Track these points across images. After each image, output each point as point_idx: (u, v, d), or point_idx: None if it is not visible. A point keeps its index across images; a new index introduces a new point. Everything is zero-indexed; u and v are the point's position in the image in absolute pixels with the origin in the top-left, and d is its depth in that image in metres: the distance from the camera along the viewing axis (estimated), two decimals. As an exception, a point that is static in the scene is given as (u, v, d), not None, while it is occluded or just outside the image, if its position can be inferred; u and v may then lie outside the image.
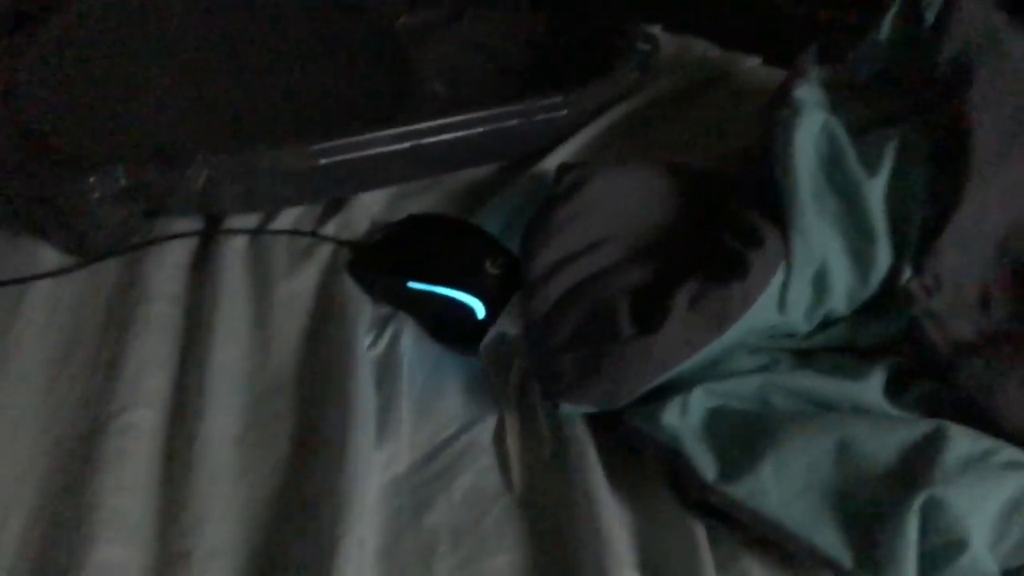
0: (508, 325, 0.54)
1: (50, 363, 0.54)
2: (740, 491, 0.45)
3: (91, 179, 0.54)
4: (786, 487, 0.45)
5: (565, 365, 0.50)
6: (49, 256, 0.59)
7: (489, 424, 0.52)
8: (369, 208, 0.64)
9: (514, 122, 0.63)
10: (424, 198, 0.66)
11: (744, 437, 0.47)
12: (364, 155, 0.61)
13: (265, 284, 0.59)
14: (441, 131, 0.62)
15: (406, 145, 0.61)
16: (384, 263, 0.58)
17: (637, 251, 0.56)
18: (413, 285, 0.56)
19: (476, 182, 0.67)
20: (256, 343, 0.56)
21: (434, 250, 0.57)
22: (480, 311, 0.55)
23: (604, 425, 0.50)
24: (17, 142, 0.57)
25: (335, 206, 0.64)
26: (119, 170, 0.55)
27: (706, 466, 0.46)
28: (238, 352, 0.55)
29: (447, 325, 0.57)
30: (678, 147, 0.69)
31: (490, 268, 0.56)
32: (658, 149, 0.69)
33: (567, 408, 0.49)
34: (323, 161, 0.59)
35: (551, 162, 0.66)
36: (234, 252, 0.60)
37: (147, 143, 0.58)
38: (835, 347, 0.54)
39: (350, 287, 0.58)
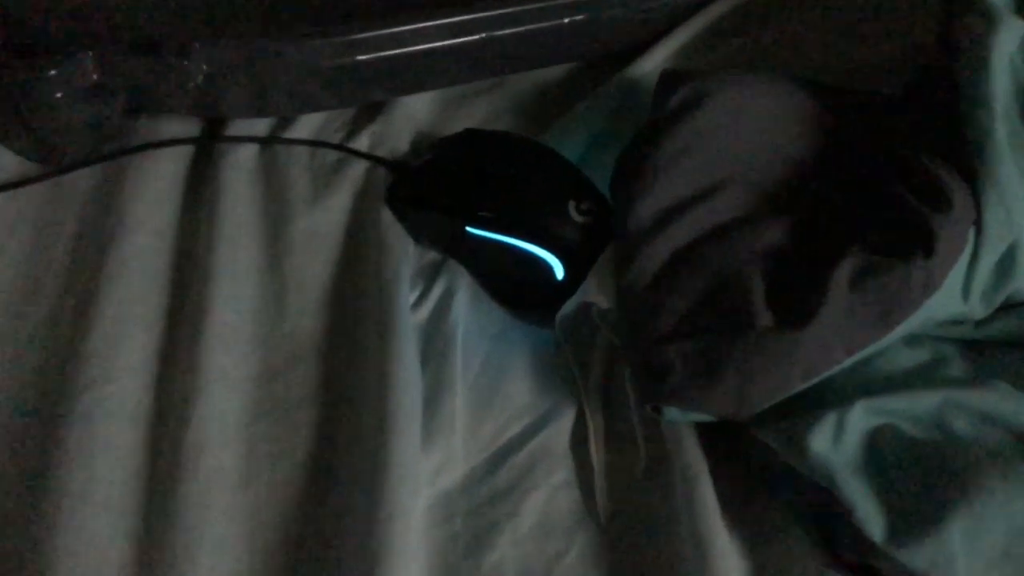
0: (595, 293, 0.41)
1: (-1, 309, 0.42)
2: (920, 559, 0.33)
3: (51, 72, 0.40)
4: (980, 556, 0.33)
5: (674, 358, 0.37)
6: (5, 163, 0.46)
7: (566, 422, 0.41)
8: (413, 115, 0.51)
9: (614, 11, 0.49)
10: (480, 105, 0.52)
11: (923, 479, 0.35)
12: (415, 50, 0.46)
13: (279, 214, 0.46)
14: (517, 21, 0.47)
15: (474, 38, 0.47)
16: (434, 195, 0.45)
17: (770, 199, 0.42)
18: (473, 230, 0.43)
19: (545, 86, 0.53)
20: (267, 296, 0.43)
21: (501, 183, 0.44)
22: (559, 270, 0.42)
23: (719, 432, 0.38)
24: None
25: (369, 111, 0.50)
26: (88, 60, 0.41)
27: (871, 517, 0.34)
28: (243, 308, 0.42)
29: (515, 285, 0.44)
30: (801, 53, 0.54)
31: (574, 214, 0.42)
32: (775, 55, 0.54)
33: (673, 415, 0.37)
34: (361, 57, 0.45)
35: (644, 66, 0.51)
36: (239, 167, 0.47)
37: (128, 26, 0.43)
38: (1015, 340, 0.41)
39: (390, 222, 0.45)
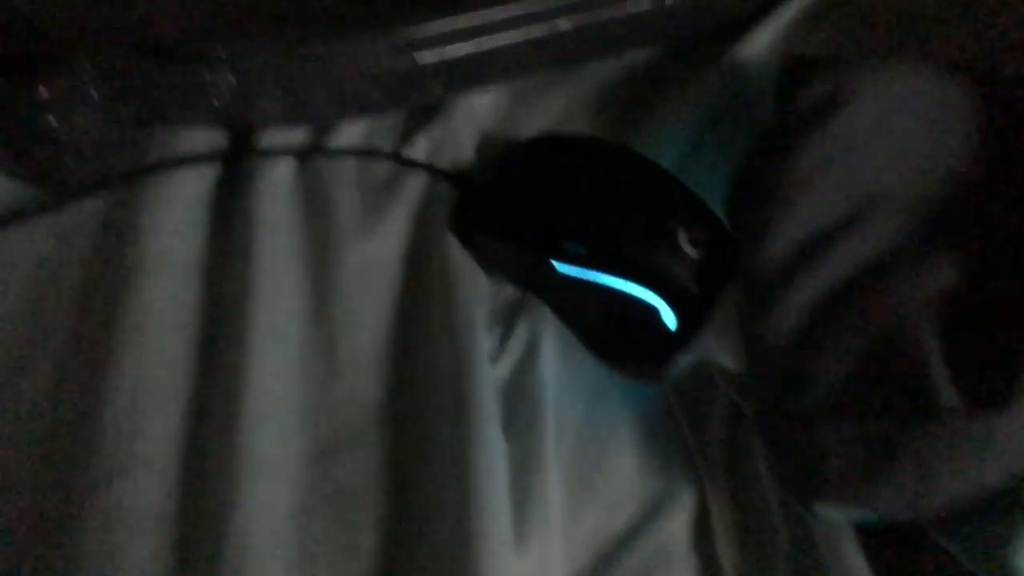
0: (715, 347, 0.34)
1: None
2: None
3: (41, 93, 0.32)
4: None
5: (831, 443, 0.29)
6: (8, 191, 0.39)
7: (685, 510, 0.33)
8: (476, 115, 0.42)
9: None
10: (555, 100, 0.43)
11: None
12: (481, 42, 0.38)
13: (325, 244, 0.38)
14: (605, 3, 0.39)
15: (550, 22, 0.38)
16: (509, 219, 0.37)
17: (933, 224, 0.34)
18: (560, 267, 0.35)
19: (629, 73, 0.44)
20: (315, 354, 0.36)
21: (592, 205, 0.36)
22: (668, 316, 0.34)
23: (887, 537, 0.31)
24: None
25: (424, 111, 0.42)
26: (87, 72, 0.33)
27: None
28: (287, 371, 0.35)
29: (614, 333, 0.36)
30: (932, 30, 0.44)
31: (686, 245, 0.34)
32: (903, 30, 0.44)
33: (829, 514, 0.30)
34: (419, 54, 0.37)
35: (749, 50, 0.42)
36: (275, 187, 0.39)
37: (134, 28, 0.35)
38: None
39: (457, 251, 0.37)
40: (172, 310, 0.36)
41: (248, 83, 0.35)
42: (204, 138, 0.40)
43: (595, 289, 0.35)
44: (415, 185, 0.40)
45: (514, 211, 0.37)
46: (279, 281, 0.37)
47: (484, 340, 0.35)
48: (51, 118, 0.33)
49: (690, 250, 0.34)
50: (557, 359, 0.36)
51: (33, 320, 0.36)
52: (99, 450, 0.32)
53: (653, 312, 0.34)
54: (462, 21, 0.39)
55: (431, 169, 0.40)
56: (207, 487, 0.32)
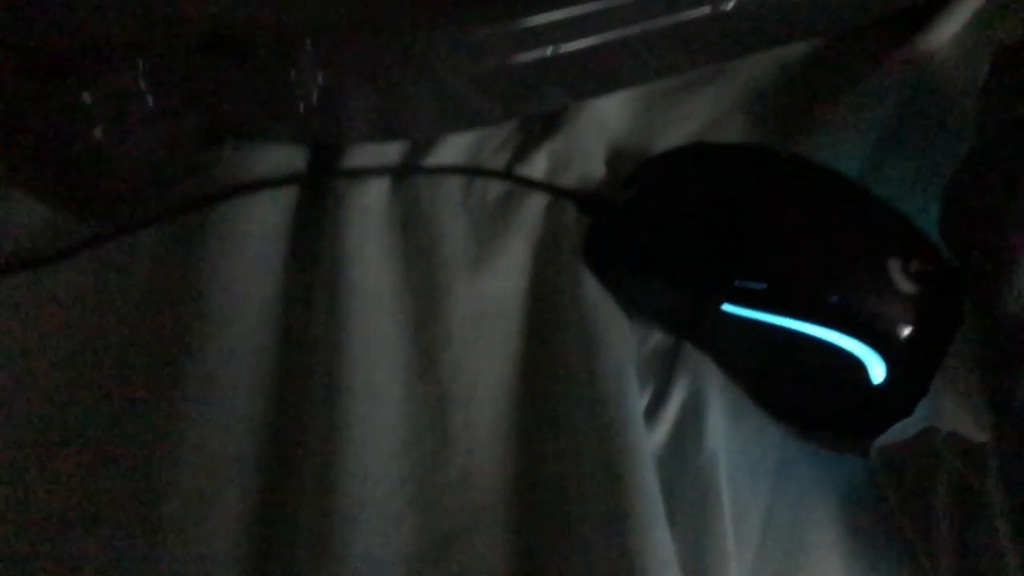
0: (941, 409, 0.26)
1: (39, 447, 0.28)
2: None
3: (84, 97, 0.26)
4: None
5: None
6: (33, 223, 0.32)
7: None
8: (606, 123, 0.35)
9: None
10: (700, 104, 0.36)
11: None
12: (613, 38, 0.31)
13: (428, 283, 0.31)
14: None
15: (697, 12, 0.31)
16: (660, 250, 0.30)
17: None
18: (733, 310, 0.28)
19: (788, 70, 0.37)
20: (420, 421, 0.29)
21: (770, 232, 0.28)
22: (876, 370, 0.27)
23: None
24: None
25: (542, 122, 0.35)
26: (140, 73, 0.27)
27: None
28: (386, 445, 0.28)
29: (803, 392, 0.29)
30: None
31: (900, 280, 0.27)
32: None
33: None
34: (537, 53, 0.30)
35: (937, 37, 0.35)
36: (366, 213, 0.32)
37: (199, 19, 0.28)
38: None
39: (594, 289, 0.30)
40: (244, 367, 0.29)
41: (339, 84, 0.28)
42: (281, 158, 0.33)
43: (777, 336, 0.27)
44: (534, 209, 0.33)
45: (665, 239, 0.30)
46: (375, 328, 0.30)
47: (638, 401, 0.28)
48: (96, 131, 0.27)
49: (906, 286, 0.27)
50: (727, 425, 0.28)
51: (72, 379, 0.29)
52: (158, 555, 0.25)
53: (856, 365, 0.27)
54: (586, 7, 0.32)
55: (553, 189, 0.33)
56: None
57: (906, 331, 0.26)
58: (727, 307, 0.28)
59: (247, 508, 0.27)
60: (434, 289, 0.31)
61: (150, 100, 0.27)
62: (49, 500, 0.27)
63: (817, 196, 0.29)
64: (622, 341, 0.29)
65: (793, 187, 0.29)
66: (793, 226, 0.28)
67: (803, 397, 0.29)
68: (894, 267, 0.27)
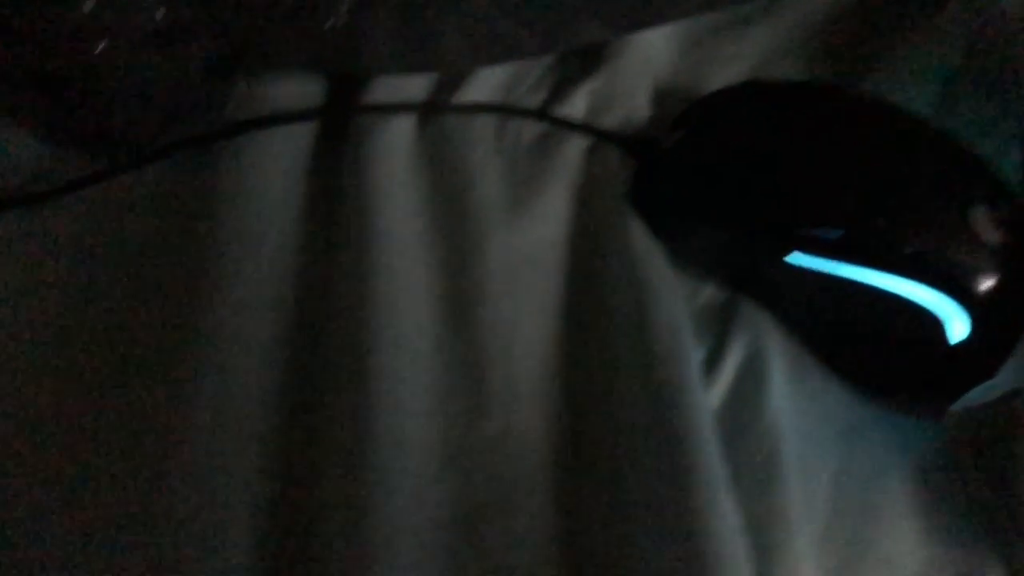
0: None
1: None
2: None
3: (87, 7, 0.23)
4: None
5: None
6: (28, 158, 0.29)
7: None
8: (648, 63, 0.32)
9: None
10: (752, 39, 0.33)
11: None
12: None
13: (460, 230, 0.28)
14: None
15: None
16: (717, 197, 0.27)
17: None
18: (799, 260, 0.25)
19: (841, 7, 0.34)
20: (455, 376, 0.26)
21: (843, 171, 0.26)
22: (956, 325, 0.24)
23: None
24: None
25: (581, 59, 0.32)
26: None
27: None
28: (419, 392, 0.25)
29: (874, 350, 0.26)
30: None
31: (983, 229, 0.24)
32: None
33: None
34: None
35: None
36: (391, 153, 0.29)
37: None
38: None
39: (642, 238, 0.28)
40: (260, 319, 0.26)
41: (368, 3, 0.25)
42: (298, 93, 0.30)
43: (848, 290, 0.25)
44: (573, 152, 0.30)
45: (722, 184, 0.27)
46: (403, 278, 0.27)
47: (695, 357, 0.25)
48: (98, 46, 0.24)
49: (991, 235, 0.24)
50: (790, 386, 0.26)
51: (70, 326, 0.27)
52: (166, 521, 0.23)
53: (934, 321, 0.24)
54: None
55: (594, 131, 0.30)
56: (316, 571, 0.23)
57: (990, 284, 0.24)
58: (793, 258, 0.25)
59: (267, 470, 0.24)
60: (467, 236, 0.28)
61: (160, 13, 0.24)
62: (46, 458, 0.24)
63: (891, 137, 0.26)
64: (675, 293, 0.27)
65: (864, 128, 0.27)
66: (867, 170, 0.25)
67: (874, 357, 0.26)
68: (977, 215, 0.24)
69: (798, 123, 0.27)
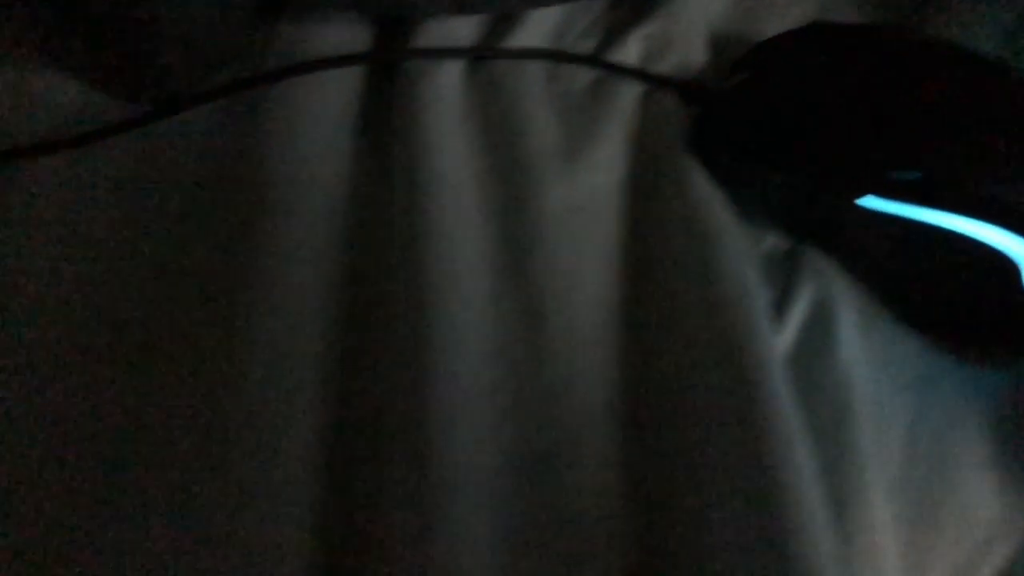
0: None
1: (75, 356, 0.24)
2: None
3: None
4: None
5: None
6: (69, 102, 0.28)
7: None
8: (704, 6, 0.31)
9: None
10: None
11: None
12: None
13: (513, 178, 0.28)
14: None
15: None
16: (784, 140, 0.26)
17: None
18: (871, 204, 0.24)
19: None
20: (509, 326, 0.25)
21: (916, 113, 0.25)
22: (1037, 271, 0.24)
23: None
24: None
25: (632, 6, 0.31)
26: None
27: None
28: (476, 340, 0.25)
29: (947, 298, 0.25)
30: None
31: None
32: None
33: None
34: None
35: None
36: (439, 100, 0.29)
37: None
38: None
39: (702, 183, 0.27)
40: (311, 261, 0.26)
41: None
42: (345, 36, 0.30)
43: (922, 235, 0.24)
44: (628, 98, 0.29)
45: (789, 127, 0.26)
46: (457, 224, 0.26)
47: (763, 303, 0.25)
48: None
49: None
50: (860, 335, 0.25)
51: (119, 268, 0.26)
52: (224, 463, 0.22)
53: (1009, 266, 0.24)
54: None
55: (649, 77, 0.30)
56: (377, 520, 0.22)
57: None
58: (864, 202, 0.24)
59: (324, 413, 0.24)
60: (521, 184, 0.27)
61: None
62: (95, 399, 0.23)
63: (965, 79, 0.25)
64: (738, 239, 0.26)
65: (939, 70, 0.26)
66: (945, 112, 0.25)
67: (947, 305, 0.26)
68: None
69: (869, 65, 0.26)
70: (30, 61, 0.28)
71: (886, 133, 0.24)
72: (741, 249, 0.26)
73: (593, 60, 0.30)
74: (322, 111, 0.28)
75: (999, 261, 0.24)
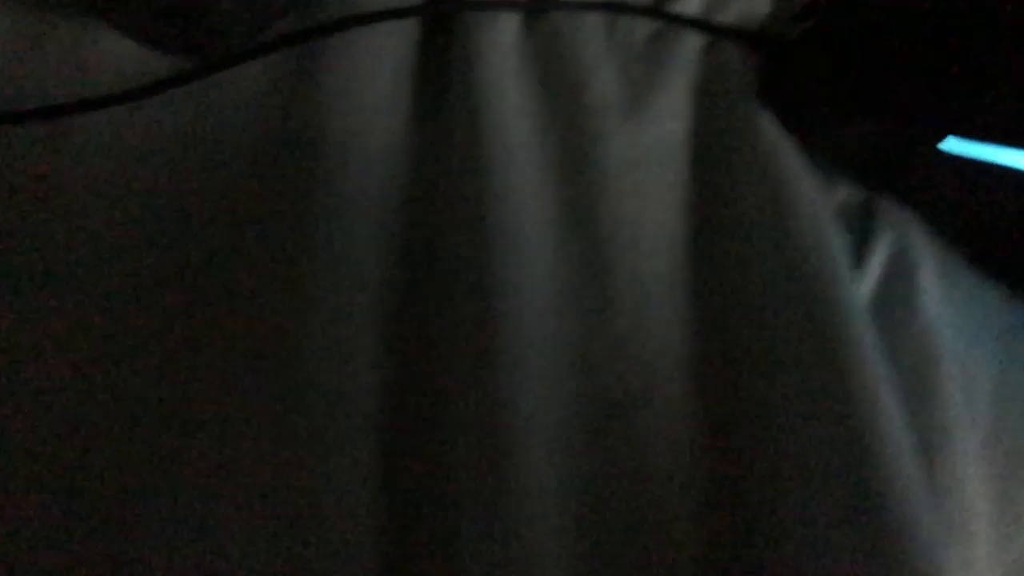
0: None
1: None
2: None
3: None
4: None
5: None
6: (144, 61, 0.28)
7: None
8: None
9: None
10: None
11: None
12: None
13: (573, 130, 0.27)
14: None
15: None
16: (855, 88, 0.25)
17: None
18: (957, 149, 0.24)
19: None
20: (580, 270, 0.25)
21: (995, 55, 0.24)
22: None
23: None
24: None
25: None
26: None
27: None
28: (543, 293, 0.24)
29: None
30: None
31: None
32: None
33: None
34: None
35: None
36: (498, 52, 0.28)
37: None
38: None
39: (773, 133, 0.26)
40: (371, 214, 0.25)
41: None
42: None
43: (1005, 179, 0.23)
44: (690, 49, 0.29)
45: (867, 71, 0.25)
46: (519, 175, 0.26)
47: (841, 252, 0.24)
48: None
49: None
50: (941, 286, 0.25)
51: (175, 221, 0.25)
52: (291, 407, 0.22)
53: (1103, 212, 0.23)
54: None
55: (712, 28, 0.29)
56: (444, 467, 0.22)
57: None
58: (949, 144, 0.24)
59: (389, 371, 0.23)
60: (583, 135, 0.27)
61: None
62: (149, 342, 0.23)
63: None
64: (813, 188, 0.25)
65: (1016, 10, 0.25)
66: (1015, 51, 0.24)
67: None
68: None
69: (946, 7, 0.25)
70: (85, 17, 0.27)
71: (972, 74, 0.24)
72: (815, 198, 0.25)
73: (654, 11, 0.29)
74: (379, 63, 0.27)
75: (1090, 206, 0.23)
